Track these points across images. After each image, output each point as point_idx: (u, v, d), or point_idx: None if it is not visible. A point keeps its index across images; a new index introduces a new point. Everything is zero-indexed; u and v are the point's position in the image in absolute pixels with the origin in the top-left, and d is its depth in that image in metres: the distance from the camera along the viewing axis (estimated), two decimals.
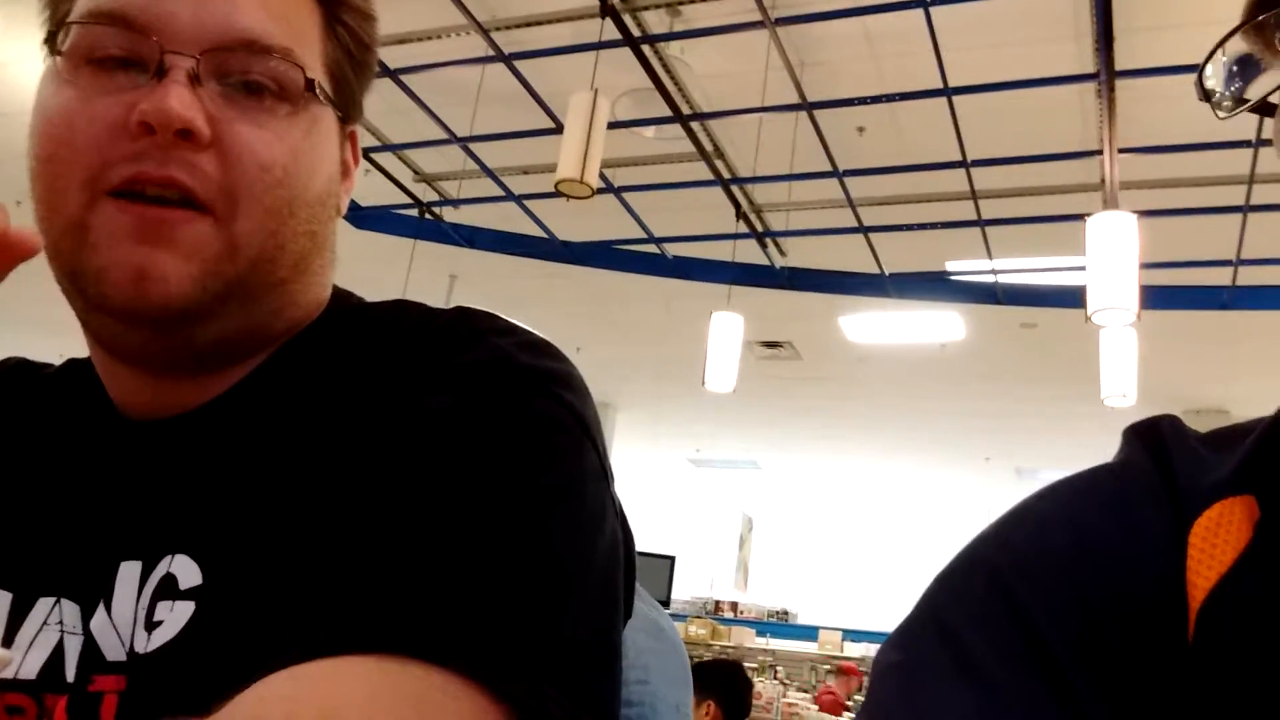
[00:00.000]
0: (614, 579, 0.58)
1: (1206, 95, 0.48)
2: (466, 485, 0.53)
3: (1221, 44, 0.46)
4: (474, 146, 5.84)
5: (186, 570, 0.58)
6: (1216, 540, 0.44)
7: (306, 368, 0.65)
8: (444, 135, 5.68)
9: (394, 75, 5.06)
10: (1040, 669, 0.41)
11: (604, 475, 0.60)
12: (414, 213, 6.71)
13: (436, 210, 6.77)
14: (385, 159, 6.14)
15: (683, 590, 12.68)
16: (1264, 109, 0.45)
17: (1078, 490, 0.49)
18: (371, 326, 0.67)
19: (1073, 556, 0.45)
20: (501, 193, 6.26)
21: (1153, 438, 0.50)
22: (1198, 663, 0.41)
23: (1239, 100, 0.47)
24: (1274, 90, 0.43)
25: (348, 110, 0.68)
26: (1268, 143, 0.44)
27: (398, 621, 0.48)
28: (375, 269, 5.43)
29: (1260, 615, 0.41)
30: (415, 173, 6.45)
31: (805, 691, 9.20)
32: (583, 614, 0.53)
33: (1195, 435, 0.50)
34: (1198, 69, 0.48)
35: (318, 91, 0.63)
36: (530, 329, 0.65)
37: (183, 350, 0.62)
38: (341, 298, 0.71)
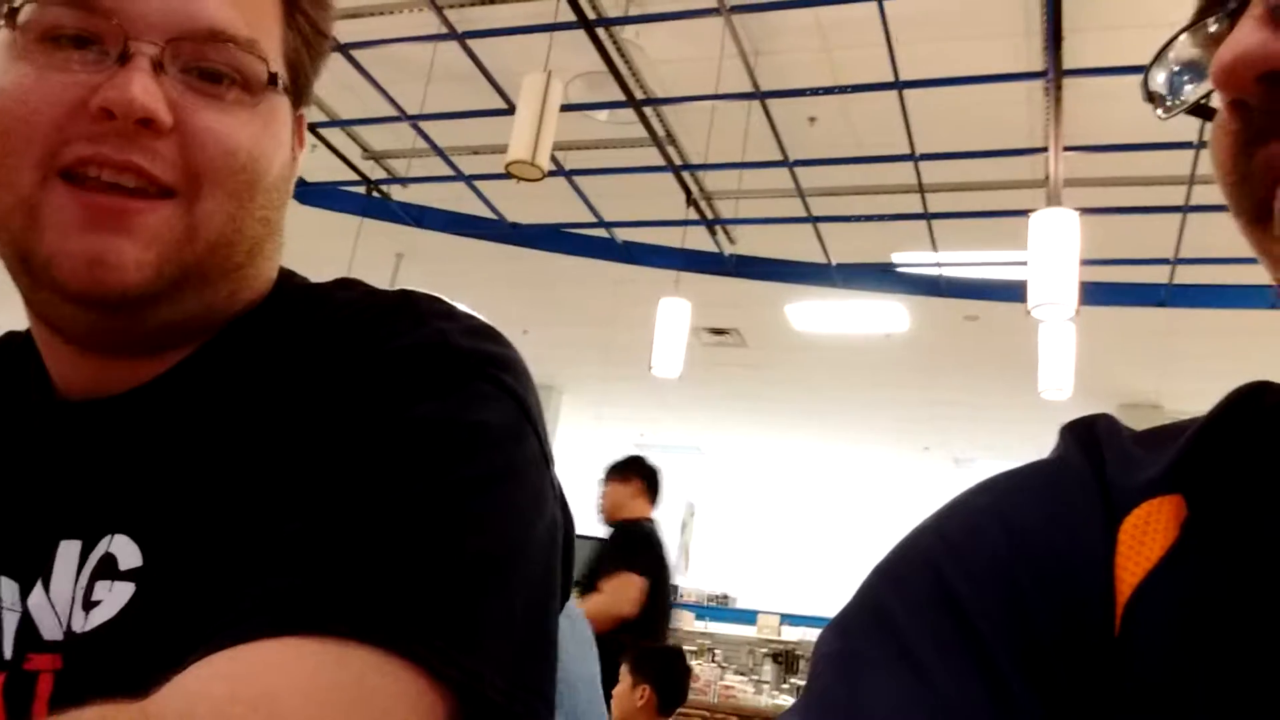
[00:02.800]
0: (551, 563, 0.59)
1: (1150, 96, 0.49)
2: (405, 469, 0.54)
3: (1167, 46, 0.47)
4: (424, 125, 5.77)
5: (126, 551, 0.58)
6: (1144, 537, 0.45)
7: (250, 348, 0.65)
8: (394, 113, 5.61)
9: (344, 50, 4.98)
10: (973, 657, 0.43)
11: (544, 460, 0.61)
12: (361, 190, 6.62)
13: (384, 188, 6.69)
14: (333, 135, 6.05)
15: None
16: (1203, 112, 0.47)
17: (1013, 485, 0.51)
18: (315, 307, 0.67)
19: (1007, 549, 0.47)
20: (451, 172, 6.20)
21: (1088, 435, 0.51)
22: (1122, 656, 0.43)
23: (1180, 103, 0.48)
24: (1210, 93, 0.44)
25: (301, 97, 0.69)
26: (1207, 144, 0.47)
27: (337, 604, 0.48)
28: (320, 245, 5.35)
29: (1182, 612, 0.42)
30: (364, 150, 6.37)
31: (743, 675, 9.30)
32: (520, 597, 0.54)
33: (1129, 433, 0.52)
34: (1144, 69, 0.49)
35: (278, 83, 0.63)
36: (473, 313, 0.65)
37: (132, 333, 0.62)
38: (287, 278, 0.71)
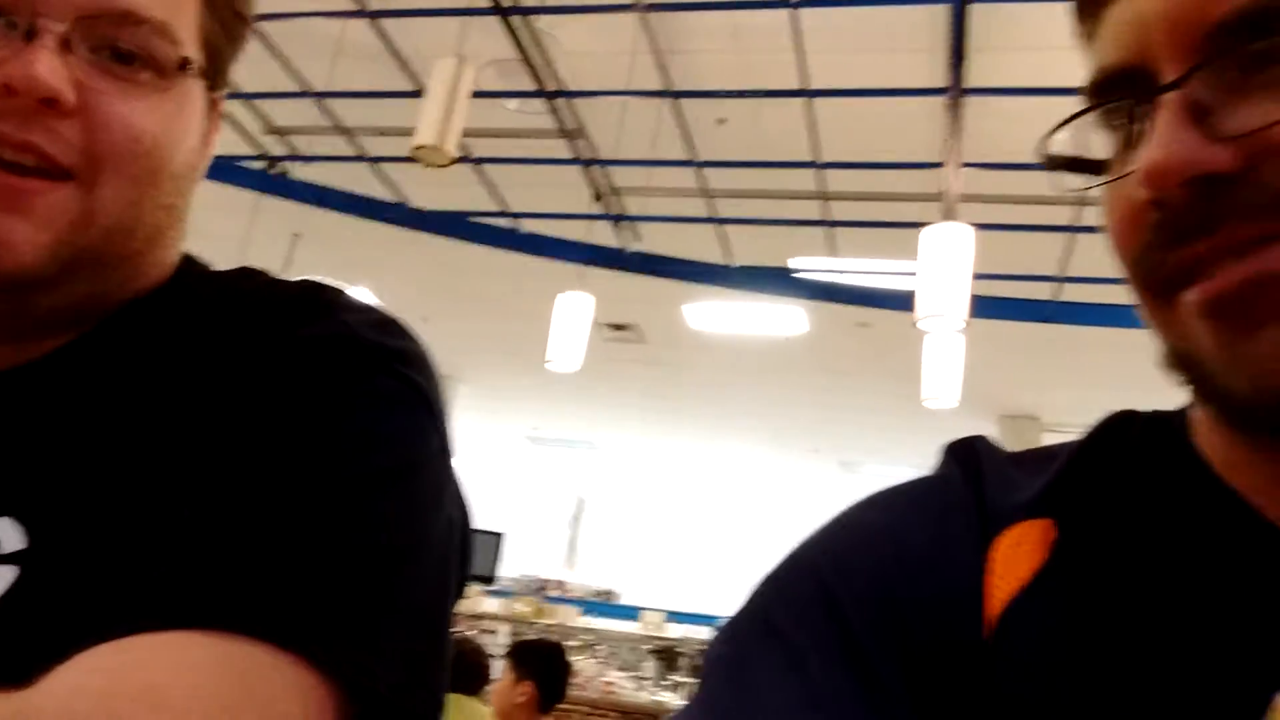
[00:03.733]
0: (448, 559, 0.59)
1: (1048, 162, 0.50)
2: (302, 463, 0.53)
3: (1061, 126, 0.48)
4: (329, 103, 5.65)
5: (9, 533, 0.55)
6: (1016, 557, 0.48)
7: (145, 333, 0.63)
8: (298, 88, 5.48)
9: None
10: (853, 664, 0.45)
11: (445, 455, 0.61)
12: (260, 166, 6.44)
13: (284, 165, 6.52)
14: (234, 107, 5.87)
15: (510, 567, 12.67)
16: (1093, 169, 0.49)
17: (897, 501, 0.54)
18: (216, 294, 0.66)
19: (887, 563, 0.49)
20: (355, 153, 6.08)
21: (968, 456, 0.54)
22: (990, 668, 0.45)
23: (1081, 169, 0.49)
24: (1116, 179, 0.46)
25: (217, 81, 0.67)
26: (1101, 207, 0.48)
27: (225, 598, 0.47)
28: (215, 220, 5.19)
29: (1047, 629, 0.45)
30: (265, 124, 6.20)
31: (625, 671, 9.35)
32: (415, 593, 0.54)
33: (1006, 455, 0.55)
34: (1040, 143, 0.50)
35: (192, 68, 0.61)
36: (379, 306, 0.64)
37: (20, 314, 0.60)
38: (188, 264, 0.69)
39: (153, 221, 0.62)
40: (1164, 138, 0.41)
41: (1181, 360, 0.44)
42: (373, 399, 0.57)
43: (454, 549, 0.59)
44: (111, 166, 0.57)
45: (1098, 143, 0.48)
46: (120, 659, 0.44)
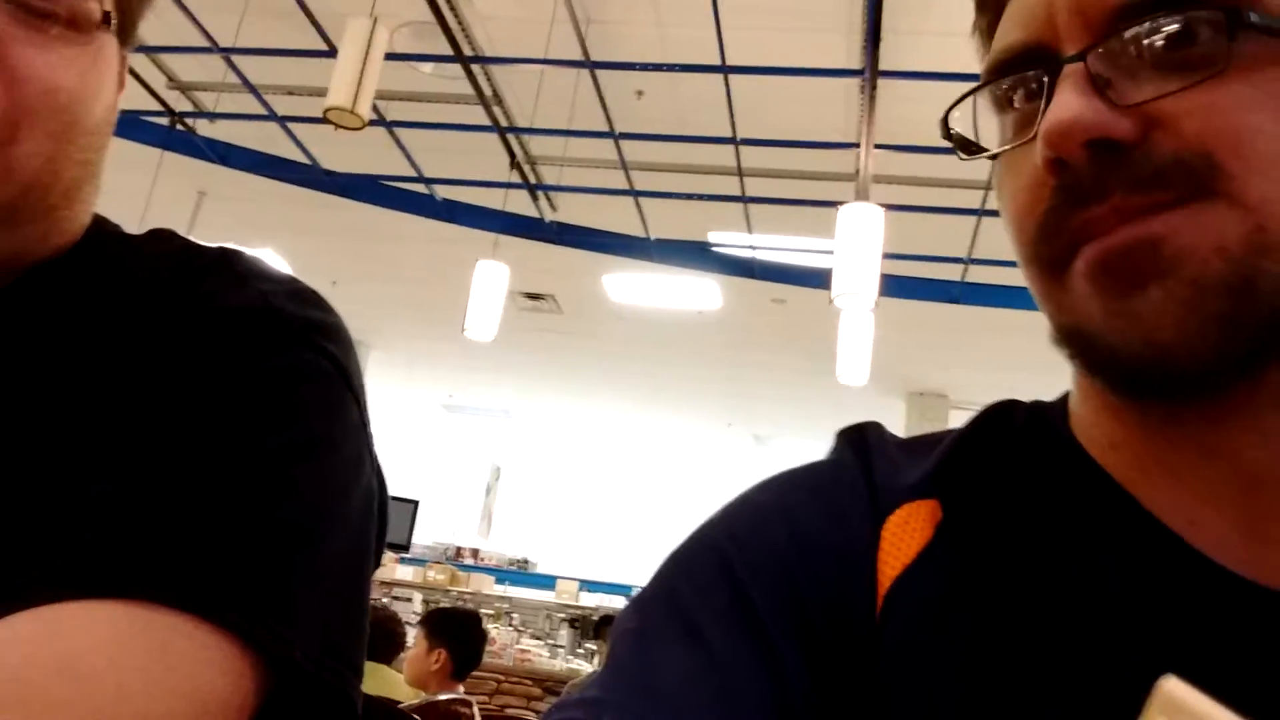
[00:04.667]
0: (366, 530, 0.59)
1: (949, 136, 0.52)
2: (221, 434, 0.53)
3: (961, 100, 0.51)
4: (237, 59, 5.48)
5: None
6: (904, 535, 0.50)
7: (57, 295, 0.62)
8: (204, 43, 5.30)
9: None
10: (753, 636, 0.47)
11: (363, 427, 0.61)
12: (164, 121, 6.23)
13: (189, 122, 6.32)
14: (137, 60, 5.66)
15: (424, 535, 12.59)
16: (973, 148, 0.52)
17: (794, 484, 0.56)
18: (129, 256, 0.65)
19: (784, 542, 0.51)
20: (263, 111, 5.92)
21: (859, 441, 0.56)
22: (880, 641, 0.47)
23: (981, 149, 0.51)
24: (1017, 145, 0.48)
25: (127, 37, 0.65)
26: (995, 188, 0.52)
27: (144, 568, 0.47)
28: (117, 177, 4.91)
29: (931, 604, 0.47)
30: (169, 79, 5.99)
31: (539, 639, 9.38)
32: (332, 564, 0.55)
33: (895, 441, 0.57)
34: (942, 117, 0.52)
35: (111, 23, 0.60)
36: (295, 277, 0.64)
37: None
38: (100, 224, 0.68)
39: (70, 177, 0.60)
40: (1068, 100, 0.43)
41: (1071, 334, 0.46)
42: (290, 372, 0.57)
43: (371, 520, 0.60)
44: (29, 121, 0.56)
45: (994, 124, 0.50)
46: (37, 628, 0.44)
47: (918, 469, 0.53)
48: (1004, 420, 0.54)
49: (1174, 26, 0.42)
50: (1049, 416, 0.54)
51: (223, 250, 0.65)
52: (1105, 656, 0.43)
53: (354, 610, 0.56)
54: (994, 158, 0.50)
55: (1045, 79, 0.45)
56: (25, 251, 0.62)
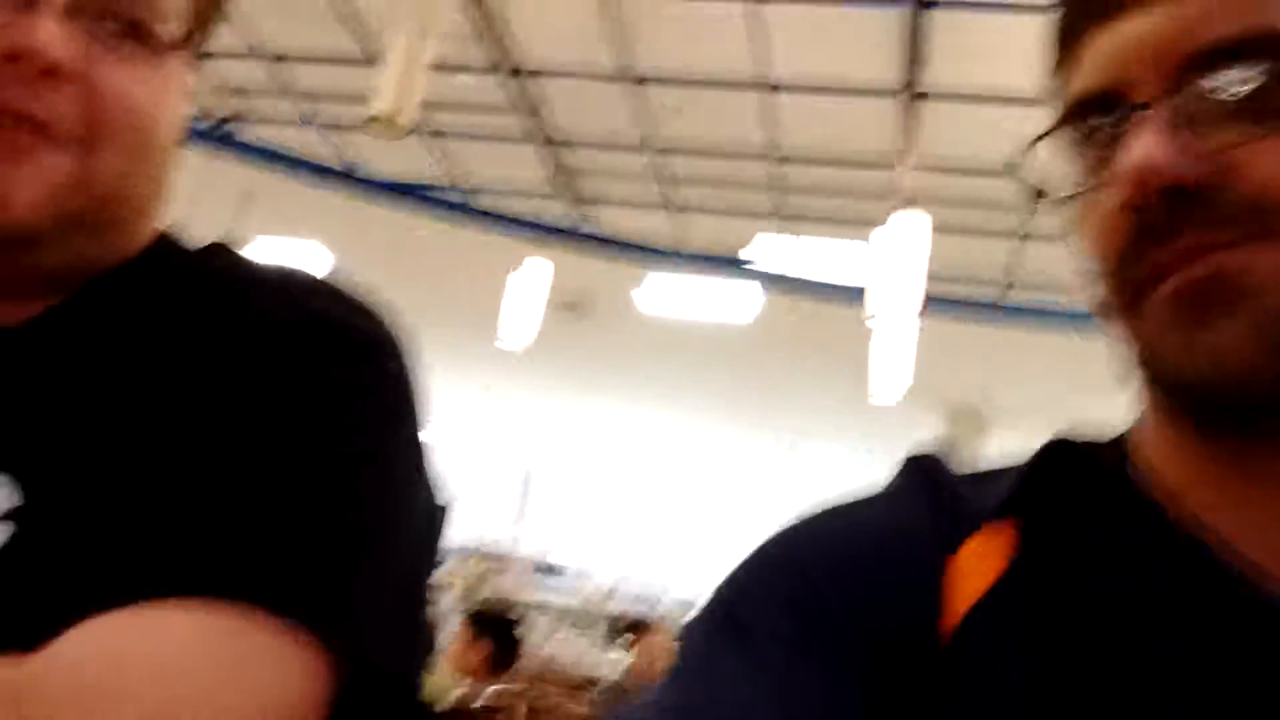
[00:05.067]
0: (426, 538, 0.61)
1: (1015, 173, 0.53)
2: (291, 444, 0.55)
3: (1037, 142, 0.51)
4: (285, 65, 5.54)
5: (5, 490, 0.56)
6: (978, 565, 0.50)
7: (131, 299, 0.64)
8: (248, 48, 5.37)
9: None
10: (815, 661, 0.47)
11: (416, 440, 0.62)
12: (208, 124, 6.32)
13: (235, 125, 6.40)
14: None
15: (462, 532, 12.65)
16: (1063, 201, 0.52)
17: (859, 508, 0.56)
18: (195, 270, 0.67)
19: (849, 566, 0.51)
20: (306, 116, 5.98)
21: (922, 469, 0.57)
22: (947, 676, 0.47)
23: (1052, 193, 0.52)
24: (1092, 188, 0.49)
25: (198, 52, 0.67)
26: (1078, 227, 0.53)
27: (225, 571, 0.49)
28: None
29: (1001, 641, 0.47)
30: (217, 83, 6.07)
31: (570, 639, 9.41)
32: (397, 567, 0.56)
33: (956, 474, 0.57)
34: (1014, 160, 0.52)
35: (186, 43, 0.62)
36: (355, 292, 0.65)
37: (14, 274, 0.61)
38: (165, 236, 0.70)
39: (142, 191, 0.63)
40: (1147, 145, 0.44)
41: (1147, 361, 0.47)
42: (353, 384, 0.59)
43: (433, 526, 0.62)
44: (106, 137, 0.58)
45: (1063, 164, 0.51)
46: (126, 628, 0.46)
47: (988, 497, 0.53)
48: (1069, 451, 0.55)
49: (1250, 74, 0.43)
50: (1107, 449, 0.55)
51: (284, 266, 0.67)
52: (1170, 691, 0.43)
53: (418, 611, 0.58)
54: (1066, 200, 0.51)
55: (1121, 124, 0.46)
56: (97, 260, 0.64)
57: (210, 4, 0.67)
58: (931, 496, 0.54)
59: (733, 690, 0.46)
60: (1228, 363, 0.43)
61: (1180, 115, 0.44)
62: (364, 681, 0.52)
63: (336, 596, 0.51)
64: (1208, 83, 0.44)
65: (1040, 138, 0.51)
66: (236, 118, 6.32)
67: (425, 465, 0.62)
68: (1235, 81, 0.44)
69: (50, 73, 0.55)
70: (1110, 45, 0.48)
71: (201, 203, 6.55)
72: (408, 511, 0.59)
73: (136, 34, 0.59)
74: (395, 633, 0.55)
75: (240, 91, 6.13)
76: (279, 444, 0.54)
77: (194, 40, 0.65)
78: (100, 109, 0.58)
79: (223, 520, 0.51)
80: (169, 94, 0.63)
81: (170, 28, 0.61)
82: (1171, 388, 0.47)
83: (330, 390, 0.58)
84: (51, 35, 0.55)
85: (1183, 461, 0.50)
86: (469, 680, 3.83)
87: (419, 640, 0.58)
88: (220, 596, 0.48)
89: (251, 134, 6.55)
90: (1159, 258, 0.45)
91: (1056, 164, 0.51)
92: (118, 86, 0.58)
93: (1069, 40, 0.51)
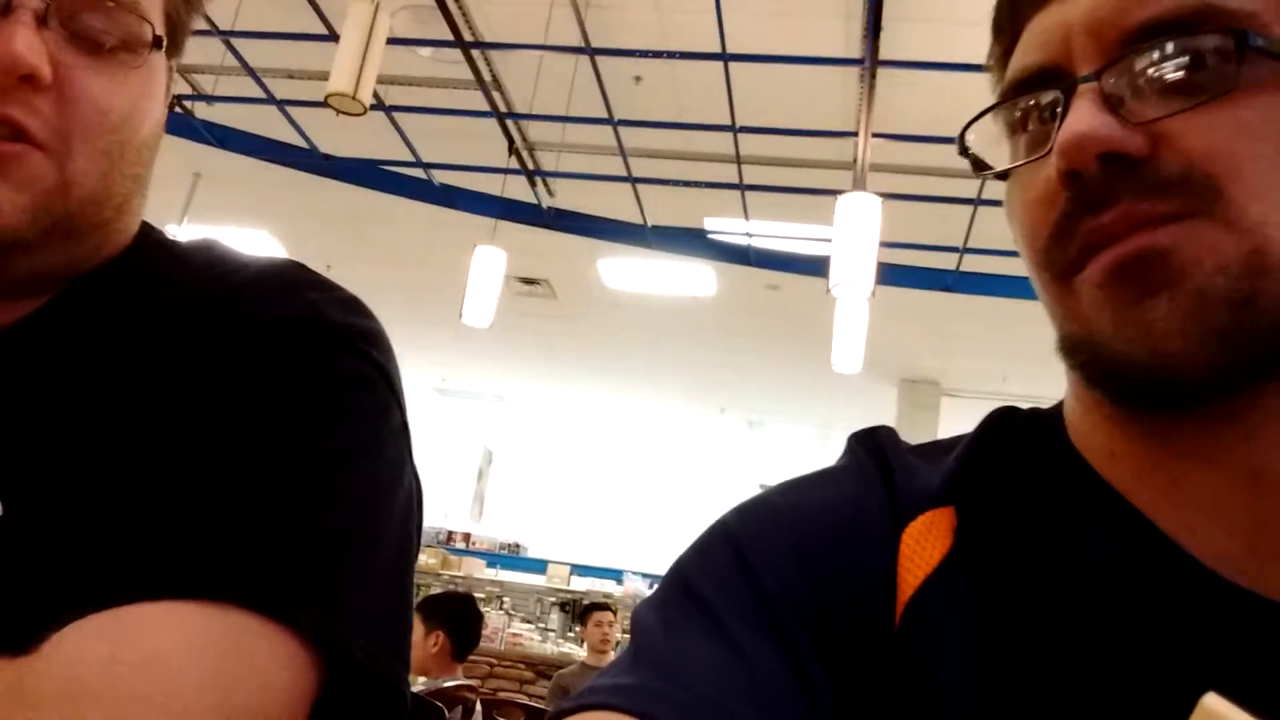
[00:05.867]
0: (410, 531, 0.62)
1: (965, 152, 0.55)
2: (278, 440, 0.56)
3: (978, 118, 0.53)
4: (237, 42, 5.46)
5: None
6: (925, 544, 0.52)
7: (111, 302, 0.64)
8: (204, 26, 5.29)
9: None
10: (774, 633, 0.48)
11: (405, 430, 0.64)
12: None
13: (187, 104, 6.30)
14: None
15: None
16: (981, 166, 0.54)
17: (811, 484, 0.57)
18: (179, 266, 0.68)
19: (803, 540, 0.52)
20: (262, 94, 5.91)
21: (874, 446, 0.58)
22: (900, 649, 0.49)
23: (990, 166, 0.54)
24: (1032, 160, 0.50)
25: (177, 50, 0.68)
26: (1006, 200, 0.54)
27: (215, 571, 0.50)
28: None
29: (950, 616, 0.49)
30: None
31: (530, 623, 9.42)
32: (383, 563, 0.57)
33: (907, 447, 0.59)
34: (958, 136, 0.54)
35: (161, 45, 0.63)
36: (338, 285, 0.66)
37: None
38: (147, 232, 0.71)
39: (121, 191, 0.63)
40: (1082, 116, 0.46)
41: (1079, 342, 0.48)
42: (339, 378, 0.60)
43: (413, 518, 0.63)
44: (82, 140, 0.59)
45: (1005, 142, 0.53)
46: (119, 627, 0.47)
47: (934, 476, 0.55)
48: (1008, 429, 0.56)
49: (1185, 49, 0.45)
50: (1046, 425, 0.56)
51: (271, 261, 0.68)
52: (1111, 667, 0.45)
53: (402, 605, 0.59)
54: (1003, 175, 0.53)
55: (1061, 98, 0.48)
56: (80, 261, 0.65)
57: (186, 5, 0.67)
58: (882, 474, 0.55)
59: (699, 661, 0.46)
60: (1160, 342, 0.44)
61: (1118, 88, 0.46)
62: (351, 674, 0.53)
63: (323, 591, 0.52)
64: (1145, 56, 0.45)
65: (982, 114, 0.53)
66: (190, 96, 6.21)
67: (408, 453, 0.64)
68: (1171, 55, 0.45)
69: (28, 79, 0.56)
70: (1051, 22, 0.49)
71: (153, 184, 6.45)
72: (393, 501, 0.60)
73: (111, 37, 0.60)
74: (382, 625, 0.56)
75: (193, 70, 6.03)
76: (264, 440, 0.55)
77: (174, 37, 0.66)
78: (76, 115, 0.58)
79: (208, 518, 0.52)
80: (148, 94, 0.64)
81: (145, 29, 0.61)
82: (1101, 370, 0.47)
83: (316, 384, 0.59)
84: (28, 42, 0.56)
85: (1109, 435, 0.51)
86: (422, 678, 3.73)
87: (403, 633, 0.59)
88: (207, 596, 0.49)
89: (206, 113, 6.45)
90: (1092, 225, 0.46)
91: (998, 140, 0.53)
92: (93, 91, 0.59)
93: (1011, 21, 0.53)
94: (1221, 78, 0.44)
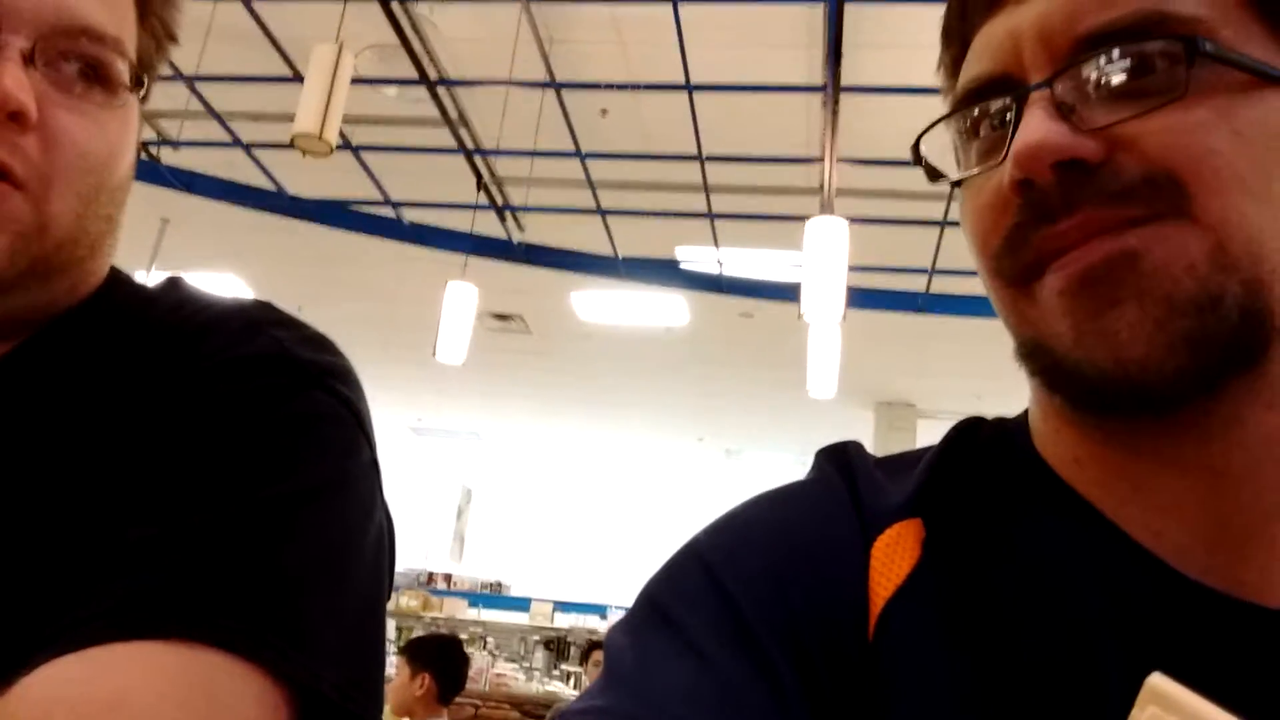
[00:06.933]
0: (381, 566, 0.62)
1: (918, 161, 0.55)
2: (246, 479, 0.55)
3: (930, 128, 0.53)
4: (201, 87, 5.46)
5: None
6: (894, 556, 0.51)
7: (78, 346, 0.64)
8: (168, 71, 5.27)
9: None
10: (747, 649, 0.47)
11: (374, 466, 0.64)
12: None
13: (153, 150, 6.28)
14: None
15: (397, 561, 12.45)
16: (936, 176, 0.54)
17: (779, 501, 0.57)
18: (147, 307, 0.68)
19: (773, 558, 0.52)
20: (227, 138, 5.90)
21: (842, 461, 0.58)
22: (874, 660, 0.48)
23: (944, 175, 0.54)
24: (986, 169, 0.50)
25: (148, 93, 0.68)
26: (961, 212, 0.55)
27: (183, 609, 0.49)
28: None
29: (926, 620, 0.49)
30: None
31: (514, 662, 9.34)
32: (352, 600, 0.57)
33: (874, 460, 0.59)
34: (913, 144, 0.54)
35: (141, 85, 0.63)
36: (305, 323, 0.66)
37: None
38: (116, 275, 0.71)
39: (95, 231, 0.63)
40: (1036, 124, 0.46)
41: (1036, 350, 0.48)
42: (307, 416, 0.59)
43: (384, 554, 0.63)
44: (60, 184, 0.59)
45: (957, 151, 0.53)
46: (88, 668, 0.46)
47: (900, 490, 0.54)
48: (973, 439, 0.56)
49: (1135, 55, 0.45)
50: (1012, 433, 0.56)
51: (237, 301, 0.68)
52: (1082, 667, 0.45)
53: (372, 641, 0.59)
54: (958, 184, 0.53)
55: (1013, 106, 0.48)
56: (53, 302, 0.64)
57: (157, 46, 0.68)
58: (849, 488, 0.55)
59: (670, 681, 0.46)
60: (1124, 350, 0.44)
61: (1070, 95, 0.46)
62: (322, 711, 0.53)
63: (293, 629, 0.51)
64: (1095, 63, 0.46)
65: (934, 124, 0.53)
66: (156, 142, 6.20)
67: (378, 490, 0.64)
68: (1122, 61, 0.45)
69: (15, 117, 0.56)
70: (1001, 30, 0.49)
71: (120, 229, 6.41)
72: (364, 538, 0.59)
73: (93, 76, 0.61)
74: (353, 661, 0.55)
75: (158, 115, 6.01)
76: (231, 477, 0.55)
77: (143, 81, 0.66)
78: (57, 155, 0.58)
79: (175, 557, 0.51)
80: (123, 135, 0.64)
81: (125, 70, 0.62)
82: (1059, 377, 0.47)
83: (285, 420, 0.58)
84: (16, 80, 0.56)
85: (1072, 441, 0.51)
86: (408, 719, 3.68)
87: (375, 670, 0.58)
88: (180, 635, 0.48)
89: (171, 158, 6.43)
90: (1049, 234, 0.46)
91: (952, 149, 0.53)
92: (75, 132, 0.59)
93: (960, 30, 0.53)
94: (1173, 82, 0.44)
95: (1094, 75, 0.46)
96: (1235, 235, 0.43)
